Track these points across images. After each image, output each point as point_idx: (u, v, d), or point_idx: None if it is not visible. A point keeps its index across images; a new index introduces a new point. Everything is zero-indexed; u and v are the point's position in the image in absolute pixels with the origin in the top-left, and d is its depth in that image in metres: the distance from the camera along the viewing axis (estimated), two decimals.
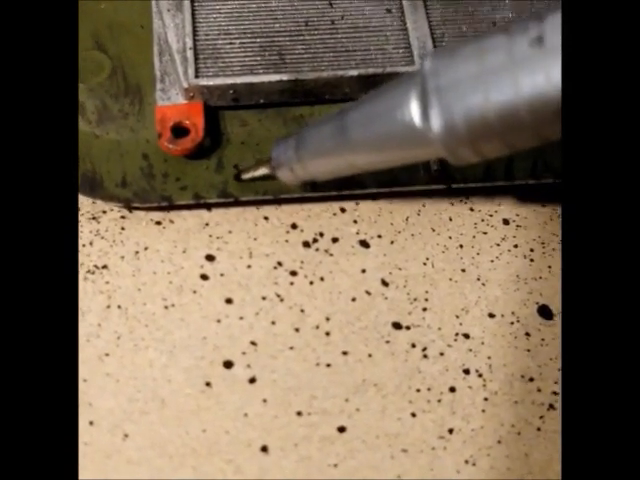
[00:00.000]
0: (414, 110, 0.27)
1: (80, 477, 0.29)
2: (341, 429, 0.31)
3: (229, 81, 0.35)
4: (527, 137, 0.25)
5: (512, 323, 0.34)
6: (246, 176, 0.35)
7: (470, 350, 0.33)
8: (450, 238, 0.36)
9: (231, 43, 0.36)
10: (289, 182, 0.34)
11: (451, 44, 0.28)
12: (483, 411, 0.32)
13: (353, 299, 0.34)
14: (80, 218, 0.35)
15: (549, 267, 0.36)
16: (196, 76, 0.35)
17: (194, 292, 0.34)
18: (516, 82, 0.25)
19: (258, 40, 0.36)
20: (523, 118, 0.25)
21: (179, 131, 0.35)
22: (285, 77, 0.36)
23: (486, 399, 0.33)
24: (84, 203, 0.35)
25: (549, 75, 0.24)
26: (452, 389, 0.33)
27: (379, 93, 0.29)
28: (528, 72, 0.24)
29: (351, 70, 0.36)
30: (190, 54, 0.36)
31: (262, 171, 0.35)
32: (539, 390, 0.33)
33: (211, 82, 0.35)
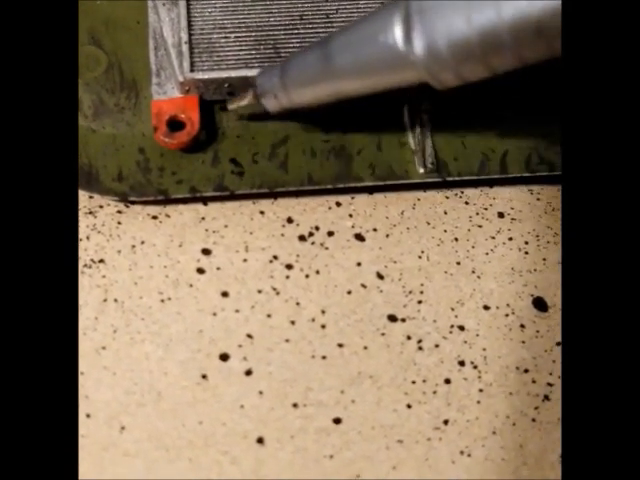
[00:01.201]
0: (397, 33, 0.27)
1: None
2: (337, 420, 0.32)
3: (224, 75, 0.36)
4: (508, 58, 0.26)
5: (507, 315, 0.34)
6: (231, 106, 0.35)
7: (465, 342, 0.34)
8: (445, 231, 0.36)
9: (226, 37, 0.36)
10: (273, 110, 0.34)
11: None
12: (478, 402, 0.33)
13: (349, 292, 0.34)
14: None
15: (544, 260, 0.36)
16: (191, 70, 0.35)
17: (190, 286, 0.34)
18: (497, 3, 0.25)
19: (253, 34, 0.37)
20: (504, 39, 0.25)
21: (175, 125, 0.35)
22: None
23: (481, 390, 0.33)
24: (81, 198, 0.35)
25: None
26: (447, 381, 0.33)
27: (364, 19, 0.30)
28: None
29: None
30: (185, 48, 0.36)
31: (247, 100, 0.35)
32: (534, 381, 0.33)
33: (206, 76, 0.35)
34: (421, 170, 0.36)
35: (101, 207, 0.35)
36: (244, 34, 0.37)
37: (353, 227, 0.36)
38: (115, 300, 0.33)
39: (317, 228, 0.36)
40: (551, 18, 0.25)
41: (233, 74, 0.36)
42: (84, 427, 0.30)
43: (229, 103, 0.35)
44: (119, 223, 0.35)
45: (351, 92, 0.31)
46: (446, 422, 0.32)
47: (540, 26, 0.25)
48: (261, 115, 0.35)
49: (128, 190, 0.35)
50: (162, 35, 0.37)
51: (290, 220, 0.36)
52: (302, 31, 0.37)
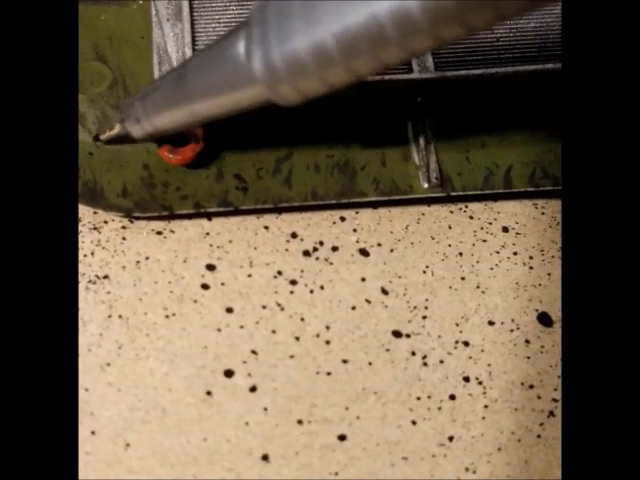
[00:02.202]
0: (240, 50, 0.28)
1: None
2: (341, 437, 0.32)
3: None
4: (341, 73, 0.26)
5: (512, 330, 0.34)
6: (103, 137, 0.35)
7: (470, 358, 0.34)
8: (450, 246, 0.36)
9: None
10: (139, 137, 0.34)
11: None
12: (483, 418, 0.32)
13: (353, 307, 0.34)
14: (81, 228, 0.35)
15: (548, 274, 0.36)
16: None
17: (195, 301, 0.34)
18: (327, 20, 0.26)
19: None
20: (334, 54, 0.26)
21: (179, 141, 0.35)
22: None
23: (486, 406, 0.33)
24: (85, 213, 0.35)
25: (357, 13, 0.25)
26: (452, 397, 0.33)
27: (217, 39, 0.31)
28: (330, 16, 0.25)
29: None
30: None
31: (116, 129, 0.34)
32: (539, 397, 0.33)
33: None
34: (425, 185, 0.36)
35: (105, 223, 0.35)
36: None
37: (357, 242, 0.36)
38: (120, 316, 0.33)
39: (321, 243, 0.36)
40: (374, 30, 0.25)
41: None
42: (89, 444, 0.30)
43: (101, 134, 0.35)
44: (124, 239, 0.35)
45: (205, 113, 0.31)
46: (451, 438, 0.32)
47: (366, 40, 0.25)
48: (130, 139, 0.35)
49: (132, 206, 0.35)
50: (166, 50, 0.37)
51: (294, 235, 0.36)
52: None
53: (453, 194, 0.36)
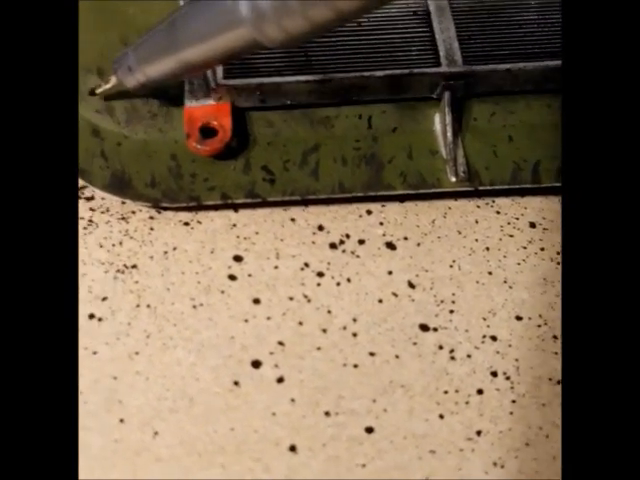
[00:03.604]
0: None
1: (110, 474, 0.29)
2: (369, 429, 0.31)
3: (256, 81, 0.36)
4: (323, 10, 0.27)
5: (539, 326, 0.34)
6: (99, 91, 0.35)
7: (497, 352, 0.33)
8: (476, 241, 0.36)
9: None
10: (132, 87, 0.34)
11: None
12: (511, 413, 0.32)
13: (380, 300, 0.34)
14: (109, 218, 0.35)
15: None
16: (224, 77, 0.35)
17: (222, 292, 0.34)
18: None
19: None
20: None
21: (207, 132, 0.35)
22: (311, 78, 0.36)
23: (514, 401, 0.32)
24: (113, 203, 0.35)
25: None
26: (480, 391, 0.33)
27: None
28: None
29: (377, 71, 0.36)
30: None
31: (111, 82, 0.35)
32: None
33: (238, 83, 0.35)
34: (453, 179, 0.36)
35: (133, 213, 0.35)
36: None
37: (384, 235, 0.36)
38: (148, 306, 0.33)
39: (348, 236, 0.36)
40: None
41: (265, 81, 0.36)
42: (118, 432, 0.30)
43: (97, 88, 0.36)
44: (151, 229, 0.35)
45: (194, 60, 0.32)
46: (479, 433, 0.32)
47: None
48: (125, 93, 0.35)
49: (160, 196, 0.35)
50: None
51: (321, 228, 0.36)
52: (333, 38, 0.37)
53: (481, 188, 0.36)
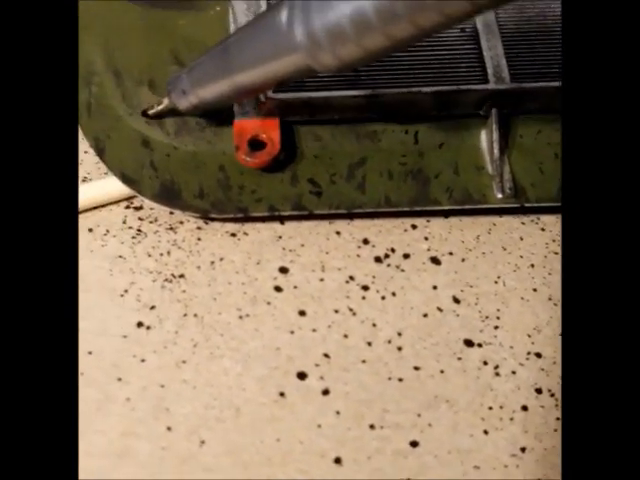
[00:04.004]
0: (283, 19, 0.30)
1: None
2: (413, 443, 0.32)
3: (305, 96, 0.36)
4: (378, 38, 0.28)
5: None
6: (151, 112, 0.36)
7: (542, 369, 0.33)
8: (521, 257, 0.36)
9: None
10: (185, 109, 0.35)
11: None
12: (555, 431, 0.32)
13: (425, 315, 0.34)
14: (158, 228, 0.35)
15: None
16: (273, 91, 0.36)
17: (268, 303, 0.34)
18: None
19: None
20: (372, 20, 0.27)
21: (256, 144, 0.36)
22: (360, 93, 0.36)
23: (558, 419, 0.32)
24: (161, 213, 0.36)
25: None
26: (524, 408, 0.33)
27: (257, 16, 0.33)
28: None
29: (425, 87, 0.36)
30: None
31: (164, 103, 0.36)
32: None
33: (288, 97, 0.36)
34: (499, 195, 0.36)
35: (181, 223, 0.36)
36: None
37: (429, 250, 0.36)
38: (195, 315, 0.33)
39: (393, 250, 0.36)
40: None
41: (314, 95, 0.36)
42: (165, 439, 0.31)
43: (149, 109, 0.36)
44: (199, 239, 0.35)
45: (248, 83, 0.32)
46: (523, 449, 0.32)
47: (404, 4, 0.26)
48: (176, 112, 0.36)
49: (209, 207, 0.35)
50: None
51: (366, 241, 0.36)
52: None
53: (527, 205, 0.36)
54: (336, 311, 0.34)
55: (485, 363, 0.33)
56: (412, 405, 0.32)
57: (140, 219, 0.36)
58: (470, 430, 0.32)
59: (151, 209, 0.36)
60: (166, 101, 0.36)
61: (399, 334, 0.34)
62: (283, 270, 0.35)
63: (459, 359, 0.33)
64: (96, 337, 0.33)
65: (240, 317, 0.34)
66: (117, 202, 0.36)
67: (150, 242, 0.35)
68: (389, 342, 0.34)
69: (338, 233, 0.36)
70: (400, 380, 0.33)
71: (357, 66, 0.30)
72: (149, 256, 0.35)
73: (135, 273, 0.34)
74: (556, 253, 0.36)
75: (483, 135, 0.37)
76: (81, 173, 0.37)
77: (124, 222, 0.36)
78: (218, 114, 0.36)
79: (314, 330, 0.34)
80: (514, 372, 0.33)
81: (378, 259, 0.36)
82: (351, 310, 0.34)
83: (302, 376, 0.33)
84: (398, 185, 0.36)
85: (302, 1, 0.29)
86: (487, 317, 0.34)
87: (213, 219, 0.36)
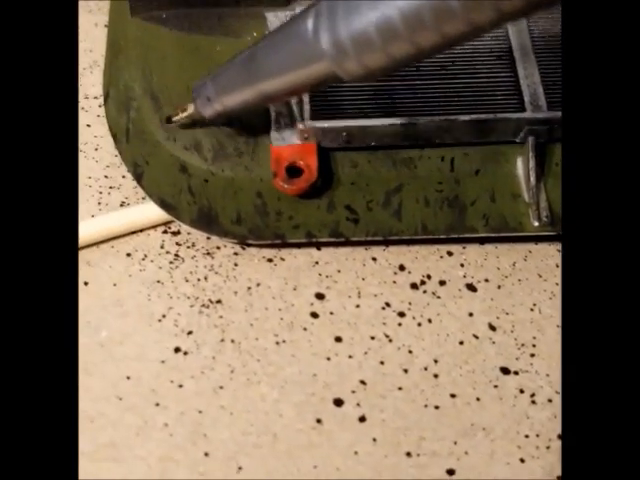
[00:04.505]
0: (309, 27, 0.30)
1: None
2: (450, 472, 0.31)
3: (343, 124, 0.36)
4: (404, 45, 0.28)
5: None
6: (176, 118, 0.36)
7: None
8: (557, 285, 0.36)
9: (344, 87, 0.37)
10: (209, 116, 0.35)
11: None
12: None
13: (461, 342, 0.34)
14: (195, 253, 0.36)
15: None
16: (311, 118, 0.36)
17: (304, 329, 0.34)
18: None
19: (370, 84, 0.37)
20: (398, 27, 0.27)
21: (293, 171, 0.36)
22: (397, 121, 0.36)
23: None
24: (199, 239, 0.36)
25: None
26: (561, 436, 0.32)
27: (283, 24, 0.33)
28: None
29: (462, 115, 0.36)
30: (306, 96, 0.36)
31: (189, 110, 0.36)
32: None
33: (326, 124, 0.36)
34: (536, 223, 0.36)
35: (218, 248, 0.36)
36: (362, 84, 0.37)
37: (465, 277, 0.36)
38: (232, 341, 0.34)
39: (429, 277, 0.36)
40: (439, 3, 0.26)
41: (351, 123, 0.36)
42: (203, 465, 0.31)
43: (174, 117, 0.36)
44: (235, 265, 0.36)
45: (273, 91, 0.33)
46: (559, 478, 0.32)
47: (431, 13, 0.26)
48: (201, 122, 0.36)
49: (246, 233, 0.35)
50: None
51: (402, 268, 0.36)
52: (418, 82, 0.38)
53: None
54: (372, 337, 0.34)
55: (521, 391, 0.33)
56: (448, 433, 0.32)
57: (178, 244, 0.36)
58: (506, 458, 0.32)
59: (188, 234, 0.36)
60: (191, 108, 0.36)
61: (435, 361, 0.34)
62: (319, 296, 0.35)
63: (495, 387, 0.33)
64: (134, 362, 0.33)
65: (277, 343, 0.34)
66: (155, 227, 0.36)
67: (188, 267, 0.35)
68: (425, 369, 0.34)
69: (374, 259, 0.36)
70: (436, 407, 0.33)
71: (382, 74, 0.30)
72: (186, 281, 0.35)
73: (173, 298, 0.35)
74: None
75: (519, 162, 0.37)
76: (119, 198, 0.37)
77: (162, 247, 0.36)
78: (255, 134, 0.37)
79: (350, 356, 0.34)
80: (550, 400, 0.33)
81: (414, 285, 0.36)
82: (387, 337, 0.34)
83: (339, 403, 0.33)
84: (434, 212, 0.36)
85: (328, 9, 0.29)
86: (523, 344, 0.34)
87: (250, 244, 0.36)
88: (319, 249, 0.36)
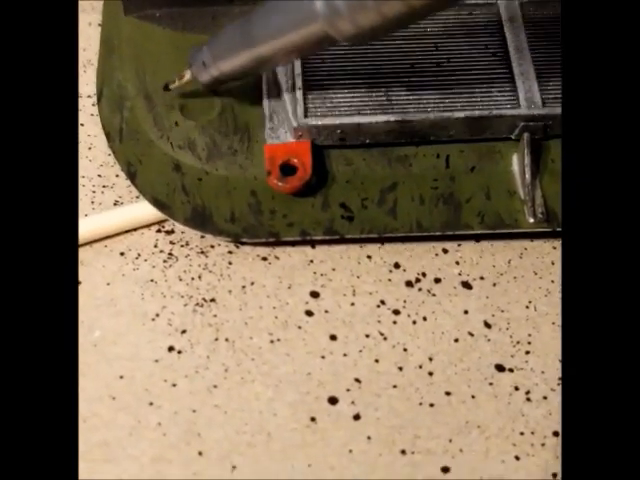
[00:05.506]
0: None
1: None
2: (445, 469, 0.31)
3: (337, 121, 0.36)
4: (397, 5, 0.29)
5: None
6: (173, 86, 0.37)
7: None
8: (553, 282, 0.36)
9: (339, 84, 0.37)
10: (206, 82, 0.36)
11: None
12: None
13: (456, 340, 0.34)
14: (189, 252, 0.36)
15: None
16: (305, 116, 0.36)
17: (299, 328, 0.34)
18: None
19: (365, 81, 0.37)
20: None
21: (287, 169, 0.36)
22: (391, 118, 0.36)
23: None
24: (193, 237, 0.36)
25: None
26: (556, 433, 0.32)
27: None
28: None
29: (457, 112, 0.36)
30: (299, 94, 0.36)
31: (186, 77, 0.36)
32: None
33: (320, 122, 0.36)
34: (531, 220, 0.36)
35: (212, 247, 0.36)
36: (356, 81, 0.37)
37: (460, 274, 0.36)
38: (226, 339, 0.34)
39: (424, 274, 0.36)
40: None
41: (346, 120, 0.36)
42: (196, 464, 0.31)
43: (171, 84, 0.37)
44: (230, 263, 0.35)
45: (268, 55, 0.33)
46: (555, 475, 0.32)
47: None
48: (197, 92, 0.37)
49: (240, 231, 0.35)
50: (276, 81, 0.37)
51: (397, 265, 0.36)
52: (413, 79, 0.37)
53: (559, 230, 0.36)
54: (367, 336, 0.34)
55: (516, 388, 0.33)
56: (443, 430, 0.32)
57: (171, 243, 0.36)
58: (502, 456, 0.32)
59: (182, 233, 0.36)
60: (188, 75, 0.36)
61: (430, 359, 0.34)
62: (314, 294, 0.35)
63: (490, 384, 0.33)
64: (128, 361, 0.33)
65: (271, 341, 0.34)
66: (148, 226, 0.36)
67: (181, 266, 0.35)
68: (420, 367, 0.34)
69: (369, 257, 0.36)
70: (431, 405, 0.33)
71: (375, 35, 0.31)
72: (180, 280, 0.35)
73: (166, 297, 0.34)
74: None
75: (515, 159, 0.37)
76: (113, 197, 0.37)
77: (155, 246, 0.36)
78: (249, 134, 0.37)
79: (345, 355, 0.34)
80: (545, 397, 0.33)
81: (409, 283, 0.36)
82: (382, 335, 0.34)
83: (333, 401, 0.32)
84: (429, 210, 0.36)
85: None
86: (518, 342, 0.34)
87: (244, 243, 0.36)
88: (314, 247, 0.36)
